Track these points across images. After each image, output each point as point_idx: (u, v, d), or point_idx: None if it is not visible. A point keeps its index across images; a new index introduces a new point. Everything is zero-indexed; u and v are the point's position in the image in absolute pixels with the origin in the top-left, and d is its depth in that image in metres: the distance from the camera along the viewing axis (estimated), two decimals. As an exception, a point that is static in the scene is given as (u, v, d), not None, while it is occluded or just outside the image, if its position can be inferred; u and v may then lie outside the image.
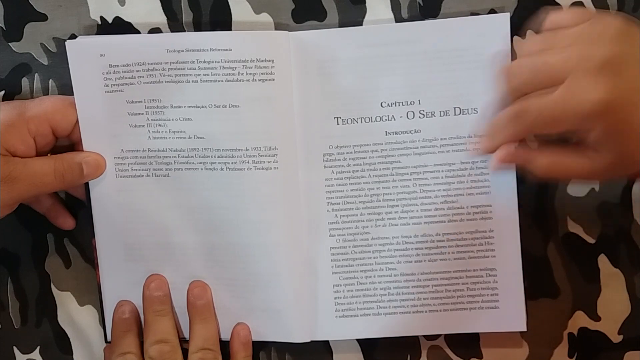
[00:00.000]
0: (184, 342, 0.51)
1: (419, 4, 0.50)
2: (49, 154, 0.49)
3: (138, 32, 0.51)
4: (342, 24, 0.50)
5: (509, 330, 0.50)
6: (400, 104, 0.49)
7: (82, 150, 0.49)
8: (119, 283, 0.51)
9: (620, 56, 0.40)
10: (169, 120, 0.49)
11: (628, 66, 0.40)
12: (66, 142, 0.50)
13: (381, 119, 0.49)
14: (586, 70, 0.40)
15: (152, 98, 0.49)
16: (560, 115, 0.41)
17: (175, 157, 0.49)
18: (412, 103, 0.49)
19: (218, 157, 0.49)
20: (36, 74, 0.51)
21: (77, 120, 0.48)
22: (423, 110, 0.49)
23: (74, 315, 0.53)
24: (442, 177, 0.49)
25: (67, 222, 0.51)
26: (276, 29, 0.50)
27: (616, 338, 0.51)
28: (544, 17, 0.44)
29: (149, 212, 0.50)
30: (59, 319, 0.53)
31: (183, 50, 0.48)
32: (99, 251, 0.51)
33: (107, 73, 0.48)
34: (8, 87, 0.47)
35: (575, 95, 0.40)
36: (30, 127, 0.46)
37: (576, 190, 0.50)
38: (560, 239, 0.51)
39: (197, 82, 0.48)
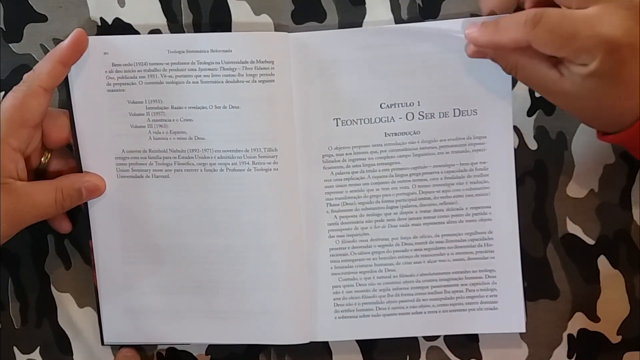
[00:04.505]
0: (185, 346, 0.51)
1: (419, 5, 0.50)
2: (46, 154, 0.49)
3: (138, 33, 0.51)
4: (341, 25, 0.50)
5: (508, 331, 0.50)
6: (400, 105, 0.49)
7: (80, 150, 0.49)
8: (116, 285, 0.51)
9: None
10: (170, 121, 0.49)
11: None
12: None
13: (380, 120, 0.49)
14: (620, 3, 0.40)
15: (153, 99, 0.49)
16: (578, 33, 0.40)
17: (175, 157, 0.49)
18: (412, 104, 0.49)
19: (218, 158, 0.49)
20: (36, 75, 0.51)
21: (45, 107, 0.47)
22: (422, 112, 0.49)
23: (74, 317, 0.53)
24: (441, 179, 0.49)
25: (63, 225, 0.51)
26: (276, 30, 0.50)
27: (615, 339, 0.51)
28: None
29: (148, 214, 0.50)
30: (59, 319, 0.53)
31: (184, 51, 0.48)
32: (96, 253, 0.51)
33: (109, 72, 0.49)
34: (8, 88, 0.47)
35: (603, 21, 0.39)
36: (11, 142, 0.46)
37: (576, 191, 0.51)
38: (560, 240, 0.51)
39: (197, 83, 0.48)
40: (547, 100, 0.45)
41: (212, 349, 0.53)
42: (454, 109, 0.48)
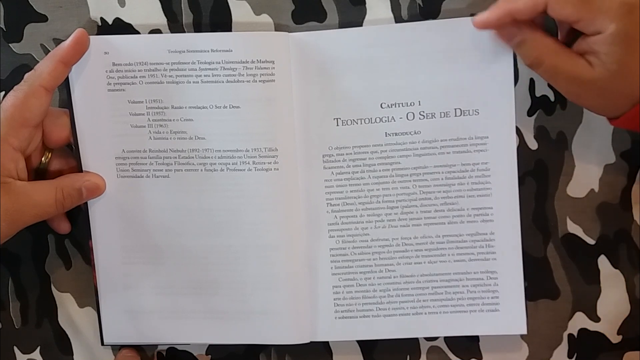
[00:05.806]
0: (186, 346, 0.51)
1: (419, 4, 0.50)
2: (47, 154, 0.49)
3: (138, 33, 0.51)
4: (342, 25, 0.50)
5: (509, 333, 0.50)
6: (400, 105, 0.49)
7: (81, 152, 0.49)
8: (116, 285, 0.51)
9: None
10: (170, 120, 0.49)
11: None
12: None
13: (381, 120, 0.49)
14: None
15: (154, 98, 0.49)
16: None
17: (175, 157, 0.49)
18: (412, 104, 0.49)
19: (218, 157, 0.49)
20: (36, 75, 0.51)
21: (46, 107, 0.47)
22: (423, 112, 0.49)
23: (74, 317, 0.53)
24: (442, 179, 0.49)
25: (63, 226, 0.51)
26: (276, 30, 0.50)
27: (615, 338, 0.51)
28: None
29: (148, 214, 0.50)
30: (59, 319, 0.53)
31: (184, 51, 0.48)
32: (96, 253, 0.51)
33: (110, 71, 0.48)
34: (8, 88, 0.47)
35: None
36: (12, 141, 0.46)
37: (576, 191, 0.50)
38: (560, 239, 0.51)
39: (197, 82, 0.48)
40: (563, 94, 0.45)
41: (212, 349, 0.53)
42: (455, 109, 0.48)
